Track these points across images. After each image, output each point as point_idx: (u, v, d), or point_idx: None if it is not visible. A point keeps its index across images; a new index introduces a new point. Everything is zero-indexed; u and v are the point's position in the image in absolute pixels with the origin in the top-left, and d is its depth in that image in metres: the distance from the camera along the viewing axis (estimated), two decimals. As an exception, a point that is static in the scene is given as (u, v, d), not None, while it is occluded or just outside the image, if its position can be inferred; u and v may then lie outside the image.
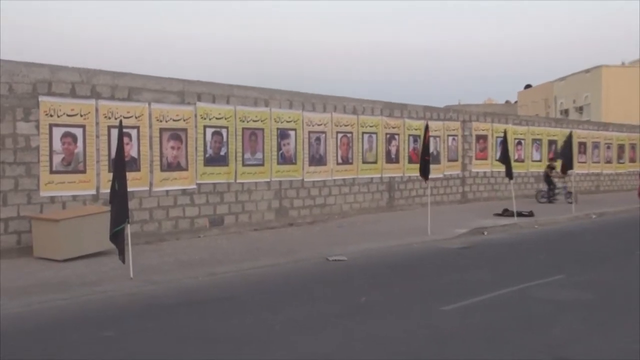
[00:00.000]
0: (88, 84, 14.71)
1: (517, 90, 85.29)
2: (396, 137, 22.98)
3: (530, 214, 21.01)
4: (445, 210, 22.76)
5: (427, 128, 17.13)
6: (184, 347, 7.41)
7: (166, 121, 16.11)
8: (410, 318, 8.61)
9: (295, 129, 19.35)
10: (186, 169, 16.53)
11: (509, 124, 28.23)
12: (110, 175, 12.88)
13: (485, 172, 27.07)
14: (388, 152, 22.67)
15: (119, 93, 15.24)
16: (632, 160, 35.43)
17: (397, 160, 23.01)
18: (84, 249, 13.18)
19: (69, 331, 8.13)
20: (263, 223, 18.34)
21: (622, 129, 35.14)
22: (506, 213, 21.13)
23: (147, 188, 15.75)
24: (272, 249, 14.51)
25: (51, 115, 14.06)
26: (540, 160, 29.61)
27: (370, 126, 21.99)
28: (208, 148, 17.05)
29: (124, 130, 12.24)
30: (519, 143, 28.76)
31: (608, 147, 33.87)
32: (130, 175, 13.10)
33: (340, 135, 20.88)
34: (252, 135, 18.12)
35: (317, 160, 20.11)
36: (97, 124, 14.78)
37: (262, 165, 18.37)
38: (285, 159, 19.06)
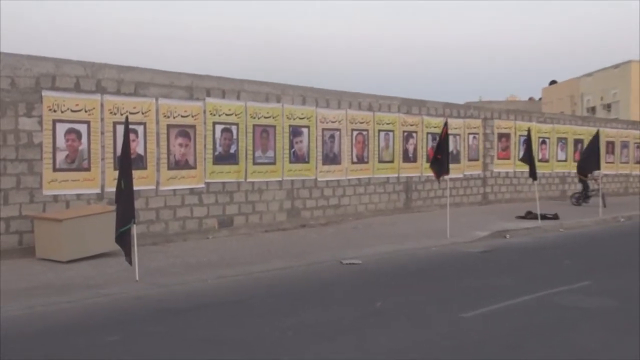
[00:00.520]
0: (93, 78, 14.80)
1: (541, 86, 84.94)
2: (414, 135, 22.95)
3: (555, 217, 20.92)
4: (465, 212, 22.69)
5: (445, 124, 17.08)
6: (191, 352, 7.44)
7: (174, 117, 16.19)
8: (428, 325, 8.60)
9: (308, 126, 19.37)
10: (194, 168, 16.59)
11: (533, 121, 28.11)
12: (116, 174, 12.95)
13: (507, 173, 26.97)
14: (405, 151, 22.65)
15: (125, 88, 15.32)
16: (663, 160, 35.23)
17: (414, 160, 22.98)
18: (88, 249, 13.27)
19: (73, 335, 8.18)
20: (274, 224, 18.37)
21: (652, 127, 34.93)
22: (529, 216, 21.05)
23: (153, 187, 15.83)
24: (284, 252, 14.53)
25: (55, 111, 14.15)
26: (565, 160, 29.47)
27: (387, 123, 21.98)
28: (217, 145, 17.11)
29: (130, 126, 12.27)
30: (543, 142, 28.63)
31: (638, 147, 33.65)
32: (136, 174, 13.18)
33: (355, 133, 20.89)
34: (264, 133, 18.16)
35: (331, 159, 20.12)
36: (102, 119, 14.87)
37: (274, 163, 18.41)
38: (297, 158, 19.08)
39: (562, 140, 29.51)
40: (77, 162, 14.55)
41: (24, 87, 13.82)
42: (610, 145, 31.91)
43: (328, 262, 13.39)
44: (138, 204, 14.36)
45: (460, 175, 24.88)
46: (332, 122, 20.14)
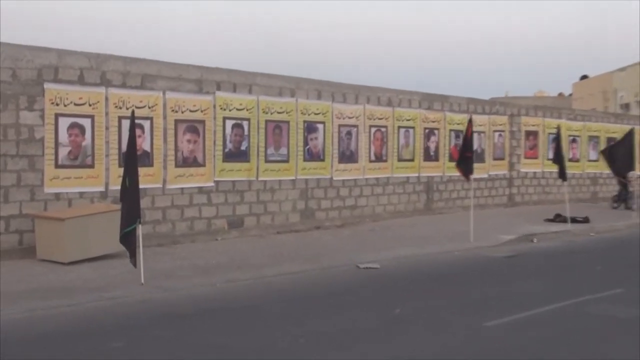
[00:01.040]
0: (98, 70, 14.87)
1: (571, 81, 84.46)
2: (436, 132, 22.90)
3: (586, 220, 20.81)
4: (490, 215, 22.61)
5: (470, 121, 17.03)
6: (198, 359, 7.48)
7: (182, 112, 16.24)
8: (449, 334, 8.58)
9: (323, 122, 19.37)
10: (203, 165, 16.64)
11: (563, 119, 27.96)
12: (121, 171, 13.02)
13: (535, 173, 26.85)
14: (426, 149, 22.60)
15: (131, 80, 15.39)
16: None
17: (436, 158, 22.93)
18: (91, 250, 13.33)
19: (75, 340, 8.22)
20: (287, 225, 18.39)
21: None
22: (558, 219, 20.95)
23: (160, 185, 15.88)
24: (297, 255, 14.55)
25: (57, 104, 14.23)
26: (597, 160, 29.30)
27: (407, 120, 21.94)
28: (227, 142, 17.15)
29: (136, 121, 12.32)
30: (574, 140, 28.48)
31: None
32: (142, 171, 13.18)
33: (373, 130, 20.87)
34: (276, 129, 18.18)
35: (348, 156, 20.12)
36: (106, 114, 14.94)
37: (287, 161, 18.43)
38: (312, 155, 19.09)
39: (593, 139, 29.33)
40: (80, 159, 14.63)
41: (25, 79, 13.90)
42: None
43: (344, 266, 13.38)
44: (144, 203, 14.41)
45: (485, 175, 24.79)
46: (349, 117, 20.13)
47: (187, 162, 16.37)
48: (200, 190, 16.66)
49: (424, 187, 22.65)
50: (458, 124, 23.38)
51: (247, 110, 17.52)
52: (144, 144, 15.50)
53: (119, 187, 12.04)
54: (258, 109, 17.74)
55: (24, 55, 13.92)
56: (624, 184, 25.85)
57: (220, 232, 16.93)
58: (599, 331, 8.73)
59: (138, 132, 14.71)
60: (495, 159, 25.21)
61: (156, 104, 15.76)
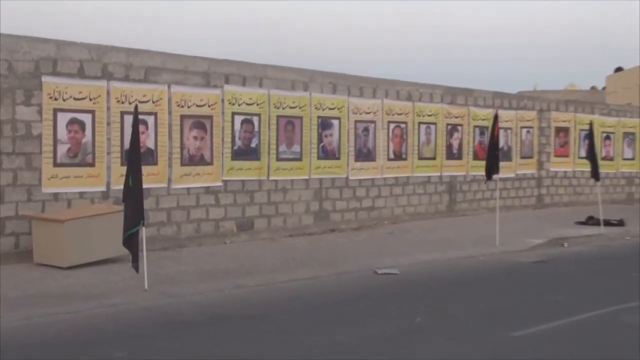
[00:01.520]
0: (99, 62, 14.93)
1: (605, 74, 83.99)
2: (459, 128, 22.85)
3: (621, 223, 20.68)
4: (517, 217, 22.53)
5: (496, 118, 16.97)
6: (206, 372, 7.48)
7: (188, 107, 16.27)
8: (474, 344, 8.55)
9: (339, 118, 19.36)
10: (211, 163, 16.67)
11: (596, 114, 27.83)
12: (123, 169, 13.05)
13: (565, 172, 26.74)
14: (449, 147, 22.55)
15: (134, 73, 15.43)
16: None
17: (459, 156, 22.87)
18: (92, 254, 13.36)
19: (74, 350, 8.24)
20: (300, 228, 18.39)
21: None
22: (591, 221, 20.83)
23: (164, 185, 15.92)
24: (311, 259, 14.54)
25: (56, 99, 14.29)
26: (633, 159, 29.13)
27: (429, 115, 21.90)
28: (237, 139, 17.17)
29: (140, 116, 12.35)
30: (608, 137, 28.33)
31: None
32: (145, 170, 13.22)
33: (392, 126, 20.84)
34: (289, 125, 18.19)
35: (365, 154, 20.10)
36: (108, 109, 14.99)
37: (300, 159, 18.43)
38: (326, 153, 19.09)
39: (629, 136, 29.16)
40: (80, 157, 14.69)
41: (22, 72, 13.97)
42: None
43: (360, 272, 13.37)
44: (147, 203, 14.44)
45: (512, 175, 24.70)
46: (366, 113, 20.11)
47: (194, 160, 16.40)
48: (208, 190, 16.69)
49: (447, 188, 22.60)
50: (483, 119, 23.31)
51: (258, 105, 17.53)
52: (147, 141, 15.54)
53: (121, 187, 12.09)
54: (269, 104, 17.75)
55: (21, 47, 13.98)
56: None
57: (229, 235, 16.96)
58: (635, 342, 8.67)
59: (141, 128, 14.78)
60: (522, 157, 25.11)
61: (161, 99, 15.80)
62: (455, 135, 22.78)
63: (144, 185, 11.72)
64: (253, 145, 17.50)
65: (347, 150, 19.58)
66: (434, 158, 22.11)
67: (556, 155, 26.38)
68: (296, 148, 18.38)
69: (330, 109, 19.14)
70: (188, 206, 16.36)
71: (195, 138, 16.44)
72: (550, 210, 25.03)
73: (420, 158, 21.68)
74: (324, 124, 19.03)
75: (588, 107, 28.43)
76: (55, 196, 14.37)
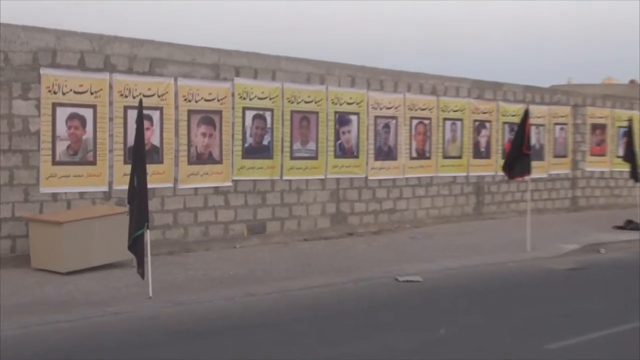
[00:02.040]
0: (101, 53, 14.98)
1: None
2: (487, 124, 22.77)
3: (662, 228, 20.57)
4: (550, 221, 22.44)
5: (527, 113, 16.91)
6: (215, 385, 7.50)
7: (196, 101, 16.31)
8: (505, 358, 8.52)
9: (357, 113, 19.35)
10: (220, 162, 16.70)
11: (635, 110, 27.66)
12: (126, 168, 13.11)
13: (602, 172, 26.61)
14: (476, 144, 22.49)
15: (138, 65, 15.48)
16: None
17: (487, 155, 22.80)
18: (93, 259, 13.40)
19: (74, 361, 8.30)
20: (315, 232, 18.40)
21: None
22: (630, 225, 20.72)
23: (170, 185, 15.96)
24: (327, 265, 14.54)
25: (55, 92, 14.36)
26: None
27: (454, 111, 21.85)
28: (248, 136, 17.19)
29: (144, 111, 12.38)
30: (648, 135, 28.15)
31: None
32: (150, 169, 13.22)
33: (415, 122, 20.81)
34: (304, 121, 18.19)
35: (385, 153, 20.08)
36: (110, 103, 15.04)
37: (316, 158, 18.44)
38: (344, 151, 19.08)
39: (671, 133, 28.96)
40: (80, 154, 14.75)
41: (19, 63, 14.03)
42: None
43: (380, 279, 13.36)
44: (152, 205, 14.49)
45: (544, 175, 24.59)
46: (387, 108, 20.08)
47: (202, 158, 16.44)
48: (217, 190, 16.72)
49: (473, 189, 22.53)
50: (513, 115, 23.22)
51: (270, 99, 17.55)
52: (152, 137, 15.58)
53: (123, 187, 12.14)
54: (283, 98, 17.76)
55: (18, 37, 14.05)
56: None
57: (239, 239, 16.98)
58: (679, 357, 8.63)
59: (146, 124, 14.74)
60: (556, 156, 25.01)
61: (167, 92, 15.84)
62: (483, 132, 22.71)
63: (149, 185, 11.75)
64: (265, 142, 17.52)
65: (367, 148, 19.56)
66: (460, 157, 22.06)
67: (592, 154, 26.25)
68: (311, 146, 18.38)
69: (348, 103, 19.13)
70: (195, 208, 16.39)
71: (204, 135, 16.47)
72: (585, 214, 24.91)
73: (445, 157, 21.63)
74: (342, 119, 19.03)
75: (627, 102, 28.27)
76: (54, 196, 14.43)
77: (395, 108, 20.29)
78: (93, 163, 14.87)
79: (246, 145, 17.16)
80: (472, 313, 10.90)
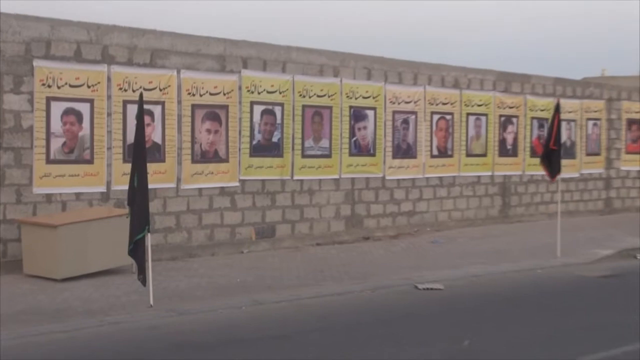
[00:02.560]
0: (98, 44, 15.02)
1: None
2: (514, 120, 22.72)
3: None
4: (582, 224, 22.36)
5: (557, 108, 16.87)
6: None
7: (201, 95, 16.33)
8: (532, 372, 8.51)
9: (374, 108, 19.34)
10: (226, 161, 16.72)
11: (675, 104, 27.55)
12: (125, 167, 13.14)
13: (639, 172, 26.48)
14: (502, 141, 22.44)
15: (138, 57, 15.51)
16: None
17: (514, 153, 22.76)
18: (90, 265, 13.44)
19: (70, 374, 8.32)
20: (328, 236, 18.40)
21: None
22: (669, 229, 20.66)
23: (173, 185, 15.99)
24: (341, 272, 14.55)
25: (49, 86, 14.41)
26: None
27: (479, 105, 21.81)
28: (256, 132, 17.21)
29: (145, 106, 12.40)
30: (689, 131, 28.04)
31: None
32: (151, 168, 13.25)
33: (436, 117, 20.78)
34: (316, 116, 18.20)
35: (404, 151, 20.06)
36: (109, 97, 15.08)
37: (329, 156, 18.44)
38: (360, 149, 19.08)
39: None
40: (76, 152, 14.79)
41: (11, 55, 14.08)
42: None
43: (399, 287, 13.35)
44: (153, 206, 14.50)
45: (576, 175, 24.52)
46: (406, 102, 20.07)
47: (207, 156, 16.46)
48: (222, 191, 16.74)
49: (499, 189, 22.49)
50: (542, 110, 23.17)
51: (280, 93, 17.56)
52: (153, 134, 15.62)
53: (122, 187, 12.18)
54: (293, 92, 17.77)
55: (9, 26, 14.09)
56: None
57: (247, 243, 17.00)
58: None
59: (147, 119, 14.79)
60: (588, 154, 24.93)
61: (169, 86, 15.87)
62: (510, 128, 22.66)
63: (150, 186, 11.78)
64: (275, 139, 17.53)
65: (384, 145, 19.55)
66: (484, 155, 22.02)
67: (628, 152, 26.15)
68: (324, 143, 18.38)
69: (364, 97, 19.12)
70: (200, 210, 16.41)
71: (209, 131, 16.49)
72: (620, 216, 24.81)
73: (468, 155, 21.60)
74: (357, 115, 19.02)
75: (666, 95, 28.15)
76: (48, 197, 14.47)
77: (415, 102, 20.26)
78: (90, 162, 14.91)
79: (254, 142, 17.18)
80: (497, 323, 10.87)
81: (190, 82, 16.17)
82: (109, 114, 15.07)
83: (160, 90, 15.74)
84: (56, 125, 14.50)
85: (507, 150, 22.60)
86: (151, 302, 11.29)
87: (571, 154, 24.02)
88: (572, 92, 24.54)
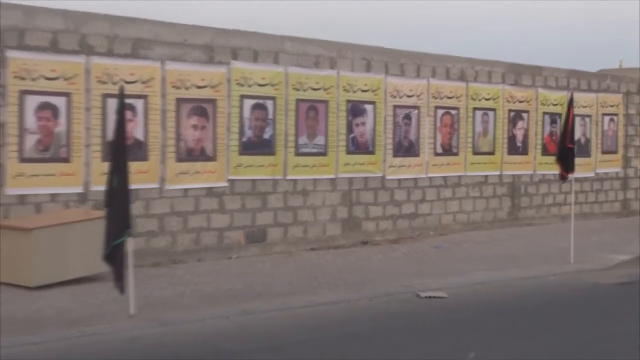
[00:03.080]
0: (76, 33, 15.01)
1: None
2: (524, 115, 22.75)
3: None
4: (597, 227, 22.41)
5: (571, 102, 16.90)
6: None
7: (186, 88, 16.33)
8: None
9: (374, 102, 19.36)
10: (214, 159, 16.72)
11: (698, 98, 27.60)
12: (105, 166, 13.07)
13: (659, 171, 26.55)
14: (512, 138, 22.47)
15: (119, 47, 15.50)
16: None
17: (524, 151, 22.79)
18: (66, 271, 13.42)
19: (43, 389, 8.33)
20: (324, 240, 18.42)
21: None
22: (690, 233, 20.69)
23: (156, 185, 15.98)
24: (337, 279, 14.57)
25: (23, 78, 14.39)
26: None
27: (486, 99, 21.83)
28: (246, 128, 17.22)
29: (127, 100, 12.40)
30: None
31: None
32: (133, 167, 13.17)
33: (440, 112, 20.81)
34: (311, 111, 18.21)
35: (406, 148, 20.09)
36: (87, 91, 15.06)
37: (325, 154, 18.46)
38: (358, 146, 19.10)
39: None
40: (52, 150, 14.79)
41: (-19, 45, 14.10)
42: None
43: (399, 295, 13.37)
44: (135, 208, 14.47)
45: (591, 174, 24.56)
46: (408, 96, 20.09)
47: (193, 154, 16.47)
48: (210, 192, 16.75)
49: (508, 190, 22.52)
50: (555, 104, 23.21)
51: (272, 86, 17.57)
52: (135, 130, 15.61)
53: (101, 188, 12.13)
54: (287, 85, 17.78)
55: (-20, 14, 14.10)
56: None
57: (235, 248, 17.01)
58: None
59: (128, 114, 14.79)
60: (604, 152, 24.98)
61: (152, 78, 15.86)
62: (520, 124, 22.68)
63: (131, 186, 11.77)
64: (266, 136, 17.54)
65: (384, 143, 19.57)
66: (492, 153, 22.05)
67: (647, 150, 26.21)
68: (320, 140, 18.40)
69: (363, 91, 19.14)
70: (185, 212, 16.41)
71: (195, 127, 16.49)
72: (638, 219, 24.83)
73: (475, 153, 21.63)
74: (355, 110, 19.04)
75: (688, 89, 28.20)
76: (22, 199, 14.46)
77: (418, 96, 20.29)
78: (67, 160, 14.90)
79: (244, 139, 17.19)
80: (505, 334, 10.90)
81: (175, 75, 16.17)
82: (87, 109, 15.06)
83: (143, 83, 15.73)
84: (30, 120, 14.47)
85: (516, 147, 22.62)
86: (132, 312, 11.28)
87: (586, 152, 24.07)
88: (587, 85, 24.57)
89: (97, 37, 15.22)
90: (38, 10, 14.72)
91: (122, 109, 11.48)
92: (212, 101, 16.69)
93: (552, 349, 10.12)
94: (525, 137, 22.83)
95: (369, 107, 19.27)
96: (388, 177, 19.72)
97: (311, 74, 18.19)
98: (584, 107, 23.98)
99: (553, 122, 23.15)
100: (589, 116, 24.39)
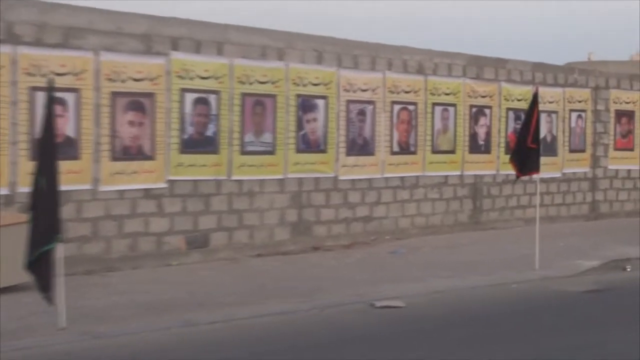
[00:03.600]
0: (1, 21, 14.86)
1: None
2: (487, 111, 22.92)
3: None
4: (564, 231, 22.63)
5: (535, 97, 17.03)
6: None
7: (122, 81, 16.25)
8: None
9: (326, 97, 19.40)
10: (152, 158, 16.66)
11: (671, 93, 27.94)
12: (32, 165, 13.00)
13: (629, 171, 26.85)
14: (473, 136, 22.63)
15: (49, 36, 15.40)
16: None
17: (487, 150, 22.95)
18: (-9, 280, 13.36)
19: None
20: (272, 245, 18.42)
21: None
22: (663, 237, 20.94)
23: (89, 186, 15.88)
24: (285, 287, 14.58)
25: (-57, 70, 14.29)
26: None
27: (446, 94, 21.95)
28: (187, 125, 17.18)
29: (56, 94, 12.33)
30: (686, 124, 28.46)
31: None
32: (63, 166, 13.12)
33: (397, 108, 20.89)
34: (258, 106, 18.21)
35: (360, 146, 20.16)
36: (13, 83, 14.95)
37: (273, 153, 18.47)
38: (309, 144, 19.14)
39: None
40: (-25, 148, 14.66)
41: None
42: None
43: (352, 304, 13.42)
44: (65, 211, 14.38)
45: (558, 174, 24.77)
46: (363, 90, 20.15)
47: (129, 153, 16.40)
48: (147, 193, 16.69)
49: (470, 191, 22.67)
50: (519, 99, 23.39)
51: (216, 79, 17.55)
52: (66, 127, 15.51)
53: (29, 189, 12.04)
54: (231, 78, 17.77)
55: None
56: None
57: (176, 255, 16.97)
58: None
59: (58, 109, 14.71)
60: (572, 150, 25.21)
61: (85, 70, 15.77)
62: (482, 120, 22.85)
63: (61, 187, 11.69)
64: (209, 133, 17.52)
65: (337, 140, 19.62)
66: (453, 151, 22.19)
67: (617, 149, 26.47)
68: (267, 137, 18.41)
69: (314, 84, 19.17)
70: (121, 215, 16.34)
71: (132, 123, 16.42)
72: (608, 222, 25.14)
73: (434, 151, 21.75)
74: (306, 105, 19.07)
75: (660, 83, 28.56)
76: (-58, 201, 14.36)
77: (373, 90, 20.35)
78: (-9, 159, 14.81)
79: (185, 136, 17.15)
80: (466, 346, 10.97)
81: (109, 66, 16.08)
82: (13, 103, 14.93)
83: (75, 75, 15.63)
84: (-50, 116, 14.39)
85: (478, 146, 22.79)
86: (63, 324, 11.21)
87: (552, 151, 24.27)
88: (554, 79, 24.80)
89: (24, 25, 15.10)
90: (-41, -5, 14.60)
91: (51, 103, 11.38)
92: (150, 95, 16.63)
93: (517, 358, 10.23)
94: (488, 134, 23.00)
95: (320, 102, 19.31)
96: (341, 177, 19.77)
97: (258, 66, 18.19)
98: (550, 102, 24.19)
99: (517, 118, 23.29)
100: (555, 112, 24.58)
